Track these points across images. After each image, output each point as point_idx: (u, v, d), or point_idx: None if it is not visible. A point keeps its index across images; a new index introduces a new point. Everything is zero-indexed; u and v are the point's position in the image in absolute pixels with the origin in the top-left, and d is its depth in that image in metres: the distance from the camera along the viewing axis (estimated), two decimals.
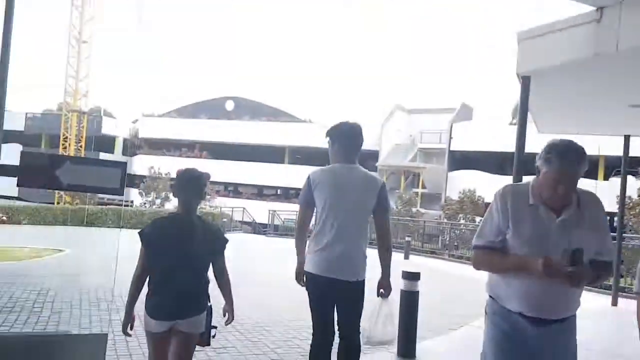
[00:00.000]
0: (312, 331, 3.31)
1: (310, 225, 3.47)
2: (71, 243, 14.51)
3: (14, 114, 45.04)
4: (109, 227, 23.33)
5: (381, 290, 3.33)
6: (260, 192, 42.33)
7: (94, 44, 42.33)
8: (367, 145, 23.48)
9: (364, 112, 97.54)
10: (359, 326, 3.30)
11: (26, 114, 45.46)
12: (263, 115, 39.09)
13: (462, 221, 19.47)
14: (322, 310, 3.23)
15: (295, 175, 38.17)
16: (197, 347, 2.87)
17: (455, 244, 17.36)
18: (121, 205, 34.68)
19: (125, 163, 3.76)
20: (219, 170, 38.77)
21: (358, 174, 3.28)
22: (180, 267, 2.69)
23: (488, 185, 29.46)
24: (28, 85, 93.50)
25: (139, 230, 2.76)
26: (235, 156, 39.69)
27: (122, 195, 3.53)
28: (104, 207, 25.08)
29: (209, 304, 2.84)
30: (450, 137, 34.19)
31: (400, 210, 24.34)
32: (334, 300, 3.21)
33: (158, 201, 27.21)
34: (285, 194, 41.63)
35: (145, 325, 2.73)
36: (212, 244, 2.83)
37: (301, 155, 40.14)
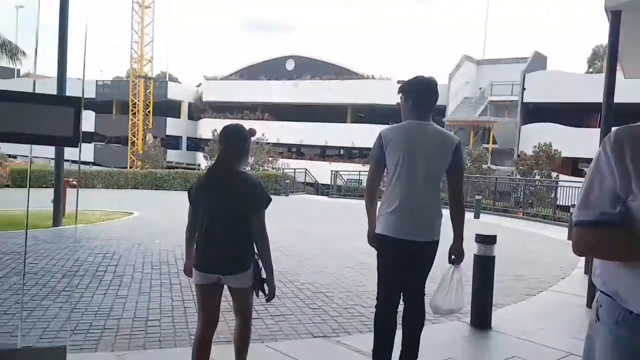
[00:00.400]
0: (376, 295, 3.20)
1: (381, 185, 3.30)
2: (140, 206, 14.85)
3: (85, 82, 46.76)
4: (176, 190, 23.88)
5: (453, 256, 3.17)
6: (322, 153, 42.13)
7: (157, 8, 42.82)
8: None
9: (430, 64, 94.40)
10: (424, 289, 3.20)
11: (97, 81, 47.10)
12: (324, 74, 38.39)
13: (537, 177, 18.30)
14: (391, 274, 3.12)
15: (358, 135, 37.60)
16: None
17: (530, 201, 16.39)
18: (188, 168, 35.60)
19: (80, 99, 3.03)
20: (282, 132, 38.87)
21: (432, 131, 3.11)
22: (217, 222, 2.70)
23: (564, 139, 27.87)
24: (102, 53, 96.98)
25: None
26: (297, 117, 39.48)
27: (77, 146, 2.95)
28: (171, 170, 25.66)
29: (255, 259, 2.78)
30: (523, 89, 32.21)
31: (470, 167, 23.32)
32: (404, 262, 3.08)
33: None
34: (348, 154, 41.24)
35: (193, 276, 2.80)
36: (248, 200, 2.72)
37: (364, 114, 39.33)
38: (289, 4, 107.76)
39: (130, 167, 33.17)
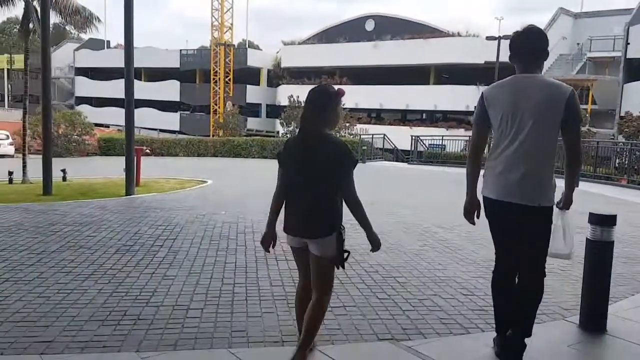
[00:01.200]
0: (494, 262, 3.13)
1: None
2: (215, 175, 14.70)
3: (169, 52, 48.00)
4: (253, 157, 23.80)
5: (560, 202, 3.03)
6: (403, 117, 40.62)
7: None
8: None
9: (522, 17, 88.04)
10: (544, 267, 2.98)
11: (180, 50, 48.09)
12: (406, 33, 36.52)
13: None
14: (504, 239, 3.02)
15: (441, 97, 35.73)
16: None
17: (636, 167, 14.50)
18: (267, 136, 35.64)
19: None
20: (360, 96, 37.71)
21: (540, 83, 2.85)
22: (302, 185, 2.68)
23: None
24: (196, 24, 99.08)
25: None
26: (376, 79, 38.11)
27: None
28: (248, 138, 25.57)
29: (340, 228, 2.69)
30: (627, 43, 28.79)
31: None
32: (512, 227, 2.93)
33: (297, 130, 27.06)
34: (430, 118, 39.45)
35: (287, 238, 2.85)
36: (333, 162, 2.64)
37: (448, 74, 37.23)
38: None
39: (213, 136, 33.61)
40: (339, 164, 2.64)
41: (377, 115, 41.37)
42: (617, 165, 15.41)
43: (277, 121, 32.50)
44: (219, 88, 41.80)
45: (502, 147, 2.88)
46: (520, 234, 2.92)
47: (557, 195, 2.99)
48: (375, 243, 2.74)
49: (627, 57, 28.90)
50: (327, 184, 2.65)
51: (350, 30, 39.47)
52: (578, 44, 34.08)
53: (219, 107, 40.96)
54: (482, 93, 3.01)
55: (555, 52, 33.44)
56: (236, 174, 15.96)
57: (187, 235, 6.39)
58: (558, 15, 33.77)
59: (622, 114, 29.24)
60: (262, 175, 14.49)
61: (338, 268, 2.75)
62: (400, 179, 15.58)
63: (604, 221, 3.44)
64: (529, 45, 2.92)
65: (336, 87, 2.77)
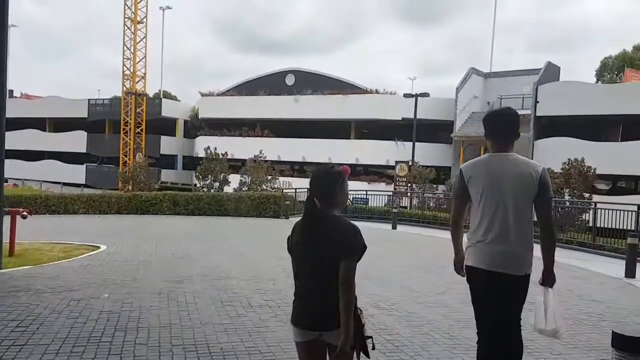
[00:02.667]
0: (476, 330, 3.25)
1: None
2: (112, 237, 12.78)
3: (76, 102, 45.19)
4: (164, 214, 21.83)
5: (542, 279, 3.13)
6: None
7: (150, 23, 41.30)
8: (440, 115, 20.93)
9: (434, 79, 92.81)
10: (517, 323, 3.15)
11: (89, 100, 45.43)
12: (325, 88, 36.53)
13: (566, 197, 16.18)
14: (482, 306, 3.16)
15: (362, 151, 35.63)
16: None
17: (561, 225, 14.27)
18: (183, 189, 33.60)
19: None
20: (283, 149, 36.92)
21: (514, 162, 3.12)
22: (309, 272, 2.54)
23: (582, 154, 25.84)
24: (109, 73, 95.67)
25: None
26: (298, 133, 37.55)
27: None
28: (159, 192, 23.58)
29: (357, 312, 2.49)
30: (536, 101, 30.26)
31: None
32: (493, 295, 3.07)
33: (216, 184, 25.48)
34: (353, 171, 39.03)
35: (292, 332, 2.62)
36: (340, 247, 2.45)
37: (368, 129, 37.41)
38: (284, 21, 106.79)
39: (121, 189, 31.08)
40: (343, 249, 2.46)
41: (300, 168, 40.63)
42: None
43: (194, 174, 30.76)
44: (130, 139, 39.45)
45: (485, 221, 3.07)
46: (500, 301, 3.07)
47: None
48: (348, 337, 2.39)
49: (537, 114, 30.29)
50: (335, 270, 2.45)
51: (270, 84, 39.00)
52: (489, 102, 35.51)
53: (128, 159, 38.49)
54: (461, 170, 3.22)
55: (467, 111, 34.61)
56: (138, 235, 14.10)
57: (43, 337, 4.72)
58: (469, 75, 35.14)
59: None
60: (168, 236, 12.92)
61: (359, 357, 2.53)
62: None
63: (636, 346, 2.34)
64: (503, 126, 3.18)
65: (340, 166, 2.68)
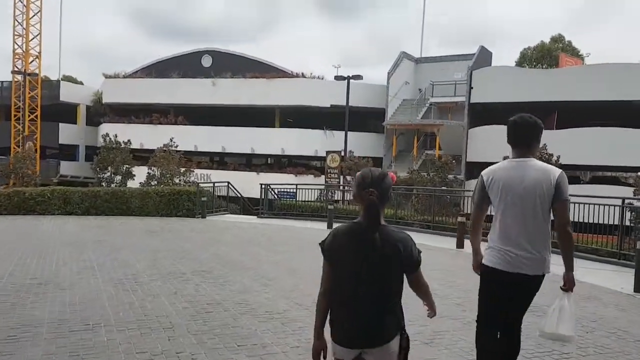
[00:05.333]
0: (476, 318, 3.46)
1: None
2: None
3: None
4: (53, 214, 17.99)
5: (563, 284, 3.27)
6: (249, 162, 36.99)
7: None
8: (371, 102, 17.83)
9: (357, 70, 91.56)
10: (521, 321, 3.41)
11: None
12: (247, 71, 33.28)
13: None
14: (494, 303, 3.32)
15: (288, 141, 32.88)
16: None
17: None
18: (84, 183, 29.35)
19: None
20: (200, 138, 33.34)
21: (533, 167, 3.25)
22: (359, 285, 2.32)
23: None
24: None
25: (320, 241, 2.44)
26: (217, 120, 34.09)
27: None
28: (45, 189, 19.56)
29: (402, 324, 2.39)
30: (471, 87, 28.87)
31: (434, 178, 19.09)
32: (506, 294, 3.26)
33: (118, 178, 21.74)
34: (278, 163, 36.36)
35: (333, 351, 2.39)
36: (396, 258, 2.32)
37: (295, 117, 34.64)
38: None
39: (14, 184, 26.18)
40: (401, 260, 2.33)
41: (220, 160, 37.19)
42: None
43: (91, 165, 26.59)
44: (23, 127, 34.23)
45: (504, 225, 3.24)
46: (511, 300, 3.29)
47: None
48: (433, 307, 2.58)
49: (471, 101, 28.93)
50: (387, 283, 2.33)
51: (185, 66, 35.09)
52: (420, 89, 33.93)
53: (21, 149, 33.33)
54: (481, 175, 3.42)
55: (399, 98, 32.84)
56: (2, 244, 10.53)
57: None
58: (401, 59, 33.33)
59: (469, 160, 29.14)
60: (42, 247, 9.43)
61: None
62: (252, 241, 11.46)
63: None
64: (524, 133, 3.31)
65: (390, 172, 2.49)
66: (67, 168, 37.29)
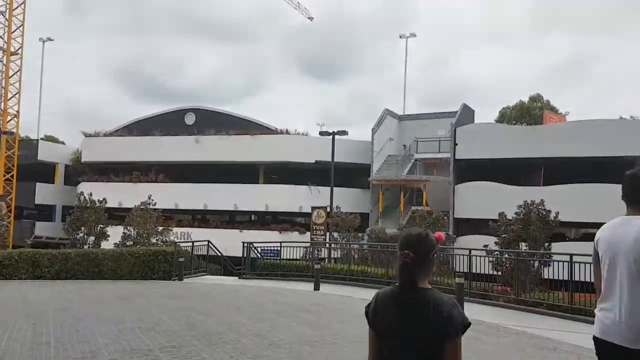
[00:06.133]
0: None
1: None
2: None
3: None
4: (21, 278, 16.81)
5: None
6: (232, 219, 36.05)
7: (26, 55, 36.01)
8: (356, 158, 17.41)
9: (347, 121, 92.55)
10: None
11: None
12: (230, 128, 32.94)
13: (523, 248, 13.60)
14: None
15: (272, 197, 32.14)
16: None
17: (523, 282, 11.58)
18: (59, 245, 28.06)
19: None
20: (181, 196, 32.50)
21: (635, 225, 2.89)
22: (398, 354, 2.24)
23: (503, 198, 24.23)
24: None
25: (365, 305, 2.38)
26: (199, 177, 33.39)
27: None
28: (13, 251, 18.43)
29: None
30: (455, 144, 28.77)
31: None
32: None
33: (92, 239, 20.67)
34: (262, 220, 35.50)
35: None
36: (438, 324, 2.15)
37: (279, 173, 34.11)
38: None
39: None
40: (443, 327, 2.16)
41: (202, 217, 36.20)
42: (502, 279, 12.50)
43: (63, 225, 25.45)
44: None
45: (604, 288, 2.97)
46: None
47: None
48: None
49: (456, 157, 28.73)
50: (429, 350, 2.18)
51: (167, 124, 34.68)
52: (404, 145, 33.83)
53: None
54: (596, 234, 3.13)
55: (384, 154, 32.64)
56: None
57: None
58: (384, 116, 33.40)
59: (456, 216, 28.61)
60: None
61: None
62: (231, 308, 10.48)
63: None
64: (629, 188, 3.04)
65: (436, 233, 2.37)
66: (42, 229, 35.97)
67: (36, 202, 36.01)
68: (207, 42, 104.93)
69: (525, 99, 51.95)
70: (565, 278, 10.60)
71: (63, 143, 46.32)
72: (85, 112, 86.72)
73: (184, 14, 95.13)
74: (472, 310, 10.26)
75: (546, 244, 13.61)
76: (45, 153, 37.06)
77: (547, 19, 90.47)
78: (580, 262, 10.23)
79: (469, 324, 2.20)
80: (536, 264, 12.65)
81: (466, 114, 32.06)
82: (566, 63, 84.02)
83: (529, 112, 47.75)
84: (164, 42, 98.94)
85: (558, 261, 11.35)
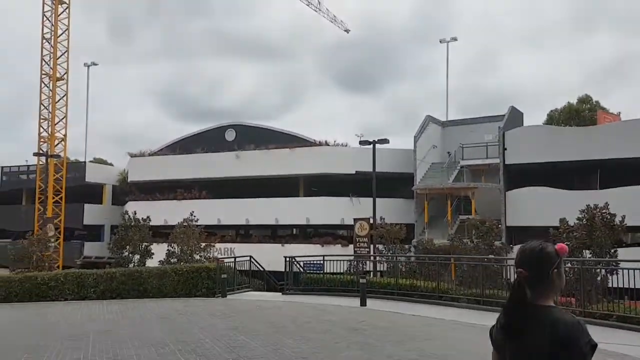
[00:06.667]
0: None
1: None
2: None
3: None
4: (65, 299, 16.86)
5: None
6: (273, 233, 35.78)
7: (75, 81, 37.00)
8: (398, 167, 16.07)
9: (386, 132, 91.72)
10: None
11: (1, 167, 39.87)
12: (270, 143, 32.79)
13: (587, 255, 12.54)
14: None
15: (313, 210, 31.68)
16: None
17: (589, 294, 10.61)
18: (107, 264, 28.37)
19: None
20: (224, 211, 32.52)
21: None
22: None
23: (560, 204, 22.91)
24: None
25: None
26: (240, 192, 33.33)
27: None
28: (59, 272, 18.56)
29: None
30: (504, 148, 27.56)
31: (479, 245, 17.40)
32: None
33: (136, 257, 20.67)
34: (304, 233, 35.09)
35: None
36: (562, 346, 1.99)
37: (319, 185, 33.65)
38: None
39: (24, 268, 25.27)
40: (567, 348, 1.98)
41: (245, 233, 36.12)
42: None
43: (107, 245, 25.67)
44: (47, 209, 33.97)
45: None
46: None
47: None
48: None
49: (505, 163, 27.53)
50: None
51: (209, 141, 34.92)
52: (449, 152, 32.80)
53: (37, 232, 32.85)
54: None
55: (427, 162, 31.69)
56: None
57: None
58: (427, 123, 32.48)
59: (509, 224, 27.32)
60: (41, 338, 8.03)
61: None
62: (276, 328, 9.98)
63: None
64: None
65: (558, 244, 2.17)
66: (91, 249, 36.65)
67: (85, 222, 36.72)
68: (244, 61, 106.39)
69: (574, 101, 49.93)
70: (637, 286, 9.62)
71: (111, 165, 47.46)
72: (133, 135, 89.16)
73: (221, 35, 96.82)
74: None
75: (612, 251, 12.54)
76: (92, 175, 37.88)
77: (588, 19, 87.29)
78: None
79: (595, 346, 2.00)
80: (602, 272, 11.61)
81: (514, 117, 30.79)
82: (613, 63, 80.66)
83: (578, 114, 45.73)
84: (203, 63, 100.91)
85: (626, 269, 10.34)
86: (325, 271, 18.01)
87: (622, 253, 14.94)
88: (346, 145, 32.91)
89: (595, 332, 8.10)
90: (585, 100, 49.77)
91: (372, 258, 20.89)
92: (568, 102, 50.03)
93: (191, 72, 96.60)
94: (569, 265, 11.43)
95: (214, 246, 21.46)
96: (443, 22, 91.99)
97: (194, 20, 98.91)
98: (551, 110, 50.85)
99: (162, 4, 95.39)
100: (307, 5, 46.66)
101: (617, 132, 25.47)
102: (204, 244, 20.51)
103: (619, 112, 45.77)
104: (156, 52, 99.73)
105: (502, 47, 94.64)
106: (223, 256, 21.15)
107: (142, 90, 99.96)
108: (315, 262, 20.09)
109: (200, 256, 20.10)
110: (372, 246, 22.96)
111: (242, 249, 25.97)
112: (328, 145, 32.72)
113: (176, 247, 20.20)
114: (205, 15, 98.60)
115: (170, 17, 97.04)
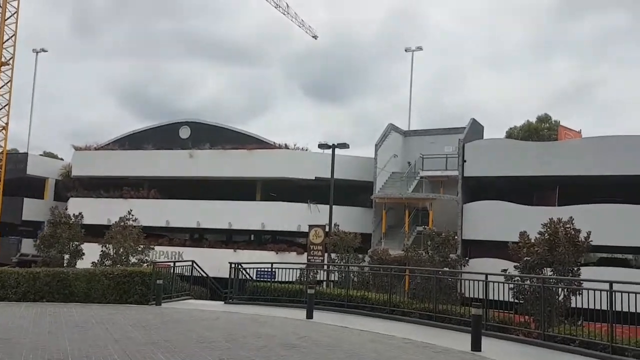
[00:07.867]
0: None
1: None
2: None
3: None
4: None
5: None
6: (229, 238, 34.30)
7: (17, 66, 34.83)
8: (358, 175, 14.64)
9: (349, 141, 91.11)
10: None
11: None
12: (227, 143, 31.40)
13: (548, 273, 11.81)
14: None
15: (270, 215, 30.43)
16: None
17: (548, 314, 9.81)
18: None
19: None
20: (173, 213, 30.92)
21: None
22: None
23: (519, 219, 22.53)
24: None
25: None
26: (193, 193, 31.77)
27: None
28: None
29: None
30: (464, 160, 27.06)
31: (434, 257, 16.55)
32: None
33: (66, 257, 18.99)
34: (259, 239, 33.77)
35: None
36: None
37: (277, 189, 32.44)
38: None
39: None
40: None
41: (200, 237, 34.49)
42: (524, 309, 10.74)
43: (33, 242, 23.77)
44: None
45: None
46: None
47: None
48: None
49: (465, 175, 27.00)
50: None
51: (161, 138, 33.17)
52: (409, 162, 32.20)
53: None
54: None
55: (387, 171, 30.99)
56: None
57: None
58: (388, 132, 31.80)
59: (465, 237, 26.80)
60: None
61: None
62: (208, 352, 8.72)
63: None
64: None
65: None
66: (29, 247, 34.25)
67: (24, 218, 34.41)
68: (211, 64, 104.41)
69: (533, 120, 50.32)
70: (603, 308, 8.84)
71: (62, 159, 44.91)
72: (92, 132, 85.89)
73: (189, 36, 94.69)
74: (492, 349, 8.52)
75: (575, 269, 11.87)
76: (34, 167, 35.58)
77: (548, 44, 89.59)
78: (622, 291, 8.52)
79: None
80: (563, 292, 10.88)
81: (475, 130, 30.43)
82: (571, 89, 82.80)
83: (537, 133, 46.01)
84: (168, 63, 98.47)
85: (590, 289, 9.59)
86: (277, 280, 16.83)
87: (585, 272, 14.39)
88: (306, 150, 31.86)
89: (555, 359, 6.92)
90: (544, 119, 50.19)
91: (325, 267, 19.84)
92: (527, 120, 50.40)
93: (157, 72, 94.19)
94: (528, 282, 10.64)
95: (153, 249, 19.93)
96: (409, 37, 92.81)
97: (161, 20, 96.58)
98: (510, 128, 51.10)
99: (130, 3, 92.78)
100: (276, 7, 45.67)
101: (579, 149, 25.29)
102: (141, 246, 18.96)
103: (580, 130, 46.31)
104: (121, 51, 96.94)
105: (466, 67, 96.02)
106: (162, 260, 19.64)
107: (105, 88, 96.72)
108: (266, 269, 18.89)
109: (138, 259, 18.56)
110: (326, 254, 21.93)
111: (191, 254, 24.39)
112: (288, 148, 31.59)
113: (111, 248, 18.61)
114: (172, 16, 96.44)
115: (137, 16, 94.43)
